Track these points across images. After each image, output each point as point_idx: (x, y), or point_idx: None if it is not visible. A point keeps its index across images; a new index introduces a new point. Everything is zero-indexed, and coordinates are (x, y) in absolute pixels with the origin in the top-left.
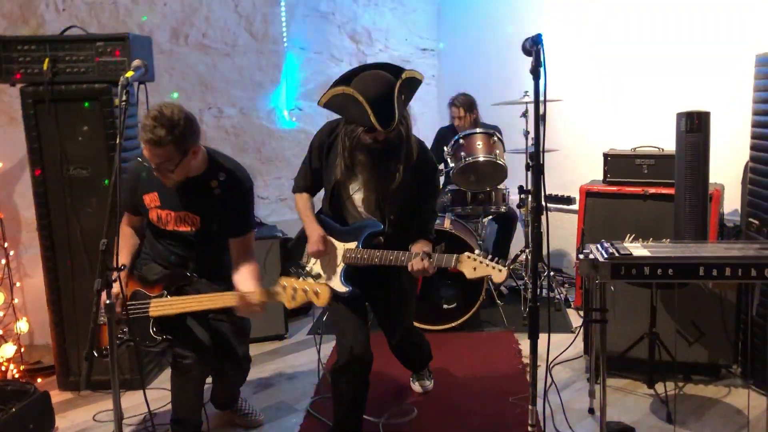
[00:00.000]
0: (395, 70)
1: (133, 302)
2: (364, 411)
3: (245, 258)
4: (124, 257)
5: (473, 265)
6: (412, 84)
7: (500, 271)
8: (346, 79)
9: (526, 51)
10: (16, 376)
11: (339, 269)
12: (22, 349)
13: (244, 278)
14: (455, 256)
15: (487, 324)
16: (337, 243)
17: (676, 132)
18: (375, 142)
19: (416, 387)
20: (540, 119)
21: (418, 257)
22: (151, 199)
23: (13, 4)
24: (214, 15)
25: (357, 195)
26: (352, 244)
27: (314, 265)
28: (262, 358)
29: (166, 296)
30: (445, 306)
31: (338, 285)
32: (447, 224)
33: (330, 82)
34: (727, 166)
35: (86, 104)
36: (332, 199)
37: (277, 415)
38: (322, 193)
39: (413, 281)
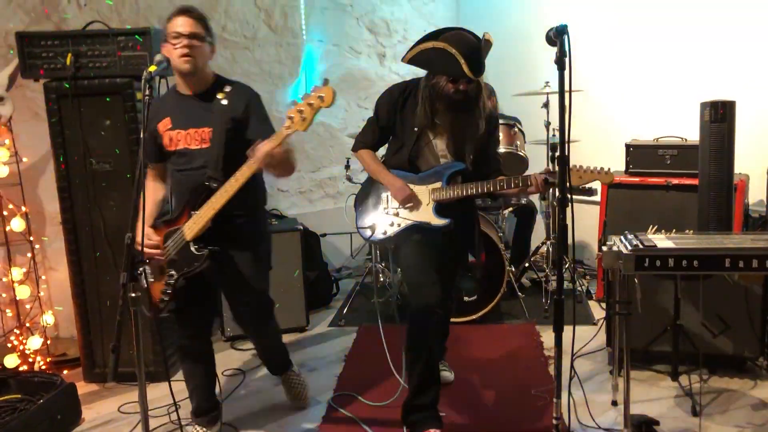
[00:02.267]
0: (473, 33)
1: (168, 242)
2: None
3: None
4: (149, 208)
5: (578, 174)
6: (488, 46)
7: (607, 173)
8: (429, 39)
9: (551, 41)
10: (43, 367)
11: (430, 207)
12: (48, 342)
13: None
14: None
15: (508, 316)
16: (418, 187)
17: (700, 121)
18: (456, 93)
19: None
20: (565, 110)
21: (537, 175)
22: (164, 125)
23: (36, 0)
24: (234, 8)
25: (438, 141)
26: (437, 184)
27: (400, 211)
28: None
29: (193, 214)
30: (465, 298)
31: (434, 219)
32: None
33: (349, 74)
34: (752, 156)
35: (108, 99)
36: (413, 148)
37: (299, 407)
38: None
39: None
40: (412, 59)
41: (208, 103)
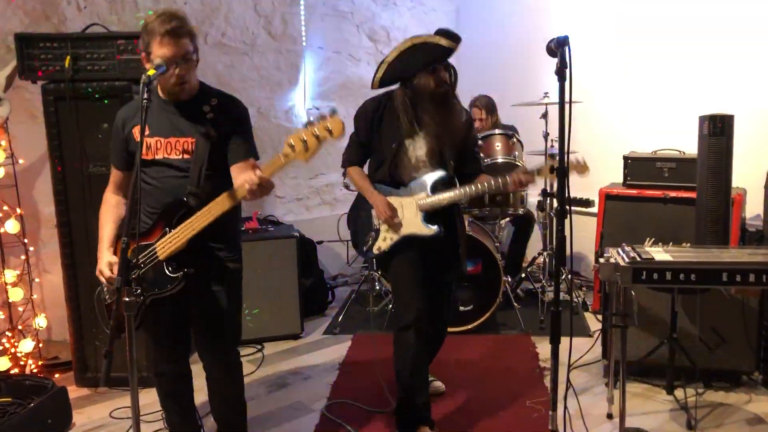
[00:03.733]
0: None
1: (136, 259)
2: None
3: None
4: (109, 230)
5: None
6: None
7: (583, 165)
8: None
9: (551, 52)
10: (34, 371)
11: (419, 217)
12: (40, 345)
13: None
14: (537, 169)
15: (503, 327)
16: (405, 199)
17: (699, 135)
18: (439, 86)
19: (430, 390)
20: (565, 122)
21: (516, 173)
22: (140, 130)
23: (36, 2)
24: (234, 14)
25: (419, 150)
26: (422, 194)
27: (389, 229)
28: (278, 357)
29: (169, 231)
30: (461, 308)
31: (424, 229)
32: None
33: (348, 82)
34: (749, 171)
35: (106, 102)
36: (392, 162)
37: (293, 416)
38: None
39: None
40: (383, 80)
41: (192, 113)
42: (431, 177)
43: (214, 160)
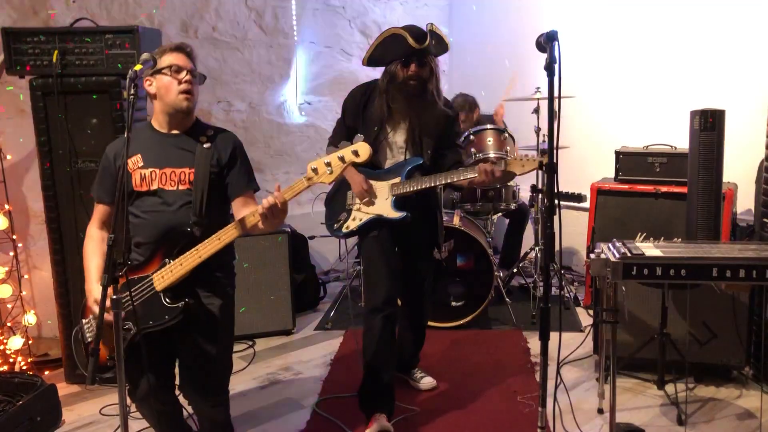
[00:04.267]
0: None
1: (128, 292)
2: (396, 349)
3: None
4: (97, 264)
5: (521, 163)
6: (441, 42)
7: (542, 159)
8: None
9: (541, 47)
10: (24, 368)
11: (389, 200)
12: (30, 342)
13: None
14: (504, 160)
15: (495, 322)
16: (380, 183)
17: (690, 130)
18: (410, 78)
19: (421, 385)
20: (554, 117)
21: (484, 164)
22: (133, 163)
23: None
24: (224, 8)
25: (397, 136)
26: (396, 179)
27: (362, 206)
28: (270, 353)
29: (169, 262)
30: (453, 303)
31: (391, 212)
32: (456, 221)
33: (340, 77)
34: (740, 165)
35: (94, 97)
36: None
37: (284, 411)
38: None
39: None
40: (370, 60)
41: (188, 144)
42: (407, 163)
43: (212, 191)
